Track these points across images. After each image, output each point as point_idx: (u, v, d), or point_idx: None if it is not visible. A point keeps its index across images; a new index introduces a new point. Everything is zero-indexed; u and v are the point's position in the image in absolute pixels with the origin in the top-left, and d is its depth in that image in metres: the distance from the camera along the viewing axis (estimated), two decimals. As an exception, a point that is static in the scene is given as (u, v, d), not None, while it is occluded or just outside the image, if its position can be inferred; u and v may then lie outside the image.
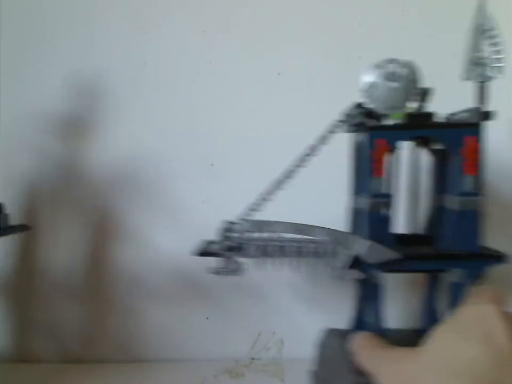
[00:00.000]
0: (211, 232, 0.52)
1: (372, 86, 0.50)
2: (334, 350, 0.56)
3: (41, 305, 0.76)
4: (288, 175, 0.52)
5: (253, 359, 0.75)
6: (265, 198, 0.52)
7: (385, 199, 0.50)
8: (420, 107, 0.53)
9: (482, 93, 0.53)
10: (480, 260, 0.51)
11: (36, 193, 0.75)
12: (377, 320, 0.51)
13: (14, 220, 0.64)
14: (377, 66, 0.50)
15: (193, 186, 0.74)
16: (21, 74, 0.75)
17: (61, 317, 0.76)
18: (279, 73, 0.67)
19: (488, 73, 0.52)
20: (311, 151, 0.52)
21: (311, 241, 0.48)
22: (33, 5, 0.76)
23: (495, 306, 0.36)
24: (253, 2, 0.76)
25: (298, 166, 0.52)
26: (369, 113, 0.51)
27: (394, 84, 0.50)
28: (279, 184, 0.52)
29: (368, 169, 0.51)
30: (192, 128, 0.75)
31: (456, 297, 0.50)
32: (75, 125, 0.75)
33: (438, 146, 0.54)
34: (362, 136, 0.52)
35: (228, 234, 0.49)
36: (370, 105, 0.51)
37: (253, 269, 0.49)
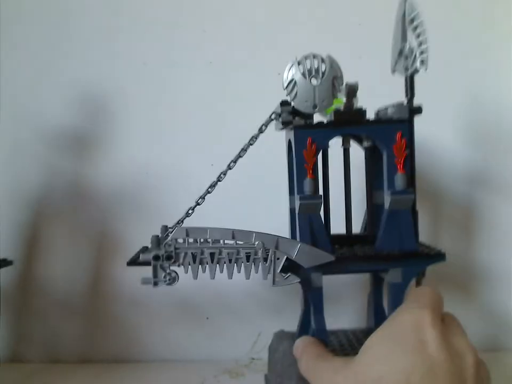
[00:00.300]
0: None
1: (291, 83, 0.48)
2: (283, 354, 0.55)
3: (39, 320, 0.76)
4: (220, 178, 0.51)
5: (253, 359, 0.75)
6: (198, 202, 0.50)
7: (315, 199, 0.49)
8: (349, 103, 0.51)
9: (409, 86, 0.51)
10: (416, 259, 0.49)
11: (38, 208, 0.76)
12: (319, 323, 0.49)
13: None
14: (296, 62, 0.48)
15: (193, 186, 0.73)
16: (25, 86, 0.76)
17: (58, 332, 0.76)
18: (279, 73, 0.67)
19: (413, 65, 0.50)
20: (242, 152, 0.51)
21: (247, 247, 0.46)
22: (32, 8, 0.76)
23: (430, 313, 0.35)
24: (253, 2, 0.76)
25: (230, 168, 0.51)
26: (297, 111, 0.49)
27: (313, 81, 0.48)
28: (212, 187, 0.51)
29: (296, 169, 0.49)
30: (192, 128, 0.75)
31: (394, 297, 0.49)
32: (79, 138, 0.75)
33: (369, 143, 0.52)
34: (291, 135, 0.50)
35: (162, 241, 0.47)
36: (293, 103, 0.48)
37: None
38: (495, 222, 0.75)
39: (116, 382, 0.68)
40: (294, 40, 0.74)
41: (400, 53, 0.52)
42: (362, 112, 0.50)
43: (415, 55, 0.50)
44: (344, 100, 0.52)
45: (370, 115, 0.52)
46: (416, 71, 0.51)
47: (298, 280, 0.48)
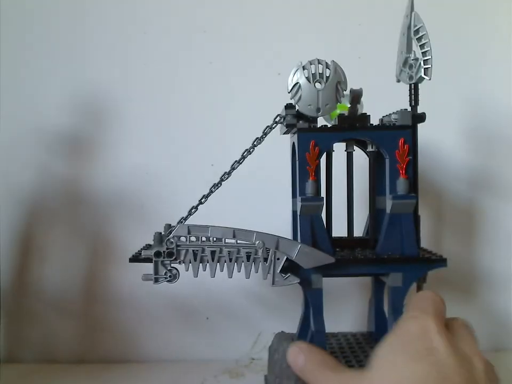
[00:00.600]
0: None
1: (296, 87, 0.49)
2: (282, 354, 0.54)
3: (35, 322, 0.76)
4: (225, 178, 0.51)
5: (253, 359, 0.75)
6: (202, 201, 0.51)
7: (317, 201, 0.49)
8: (353, 108, 0.52)
9: (413, 95, 0.52)
10: (417, 264, 0.50)
11: (34, 210, 0.76)
12: (319, 324, 0.49)
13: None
14: (301, 67, 0.49)
15: (193, 187, 0.74)
16: (22, 88, 0.76)
17: (54, 334, 0.76)
18: (279, 73, 0.67)
19: (418, 74, 0.51)
20: (247, 153, 0.51)
21: (248, 246, 0.47)
22: (31, 10, 0.76)
23: (434, 319, 0.35)
24: (253, 2, 0.76)
25: (233, 168, 0.51)
26: (302, 115, 0.49)
27: (317, 85, 0.49)
28: (215, 187, 0.51)
29: (299, 171, 0.49)
30: (192, 128, 0.75)
31: (394, 301, 0.49)
32: (78, 138, 0.75)
33: (373, 148, 0.53)
34: (295, 138, 0.51)
35: (164, 239, 0.47)
36: (297, 107, 0.49)
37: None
38: (497, 225, 0.75)
39: (116, 382, 0.68)
40: (294, 40, 0.74)
41: (405, 62, 0.53)
42: (365, 118, 0.51)
43: (420, 65, 0.51)
44: (349, 105, 0.53)
45: (373, 116, 0.53)
46: (420, 80, 0.52)
47: (298, 280, 0.48)
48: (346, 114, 0.52)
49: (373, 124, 0.51)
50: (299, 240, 0.49)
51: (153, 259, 0.47)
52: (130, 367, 0.73)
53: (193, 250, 0.47)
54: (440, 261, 0.50)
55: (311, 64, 0.49)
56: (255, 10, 0.76)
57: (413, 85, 0.53)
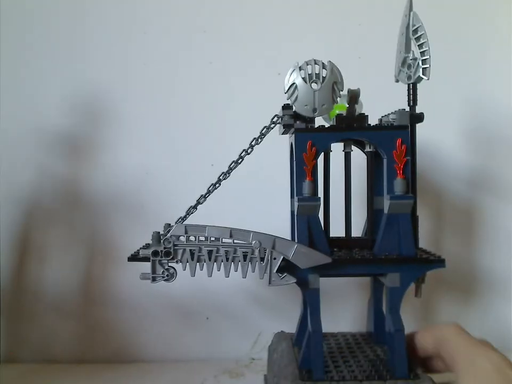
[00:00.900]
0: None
1: (292, 87, 0.49)
2: (281, 354, 0.55)
3: (33, 322, 0.76)
4: (223, 178, 0.51)
5: (253, 359, 0.75)
6: (200, 201, 0.51)
7: (314, 201, 0.49)
8: (351, 108, 0.52)
9: (412, 95, 0.52)
10: (414, 264, 0.49)
11: (33, 210, 0.76)
12: (316, 324, 0.49)
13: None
14: (298, 67, 0.49)
15: (193, 187, 0.74)
16: (22, 88, 0.76)
17: (53, 334, 0.76)
18: (279, 73, 0.67)
19: (416, 74, 0.51)
20: (244, 153, 0.51)
21: (245, 246, 0.47)
22: (31, 10, 0.76)
23: (501, 355, 0.42)
24: (253, 2, 0.76)
25: (232, 168, 0.51)
26: (299, 115, 0.49)
27: (314, 86, 0.49)
28: (214, 187, 0.51)
29: (296, 171, 0.49)
30: (192, 128, 0.75)
31: (392, 301, 0.49)
32: (78, 139, 0.75)
33: (371, 149, 0.52)
34: (293, 138, 0.51)
35: (162, 238, 0.47)
36: (294, 107, 0.49)
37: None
38: (497, 226, 0.75)
39: (116, 382, 0.68)
40: (294, 40, 0.74)
41: (404, 62, 0.53)
42: (363, 118, 0.51)
43: (418, 65, 0.51)
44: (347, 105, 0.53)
45: (374, 116, 0.52)
46: (418, 80, 0.52)
47: (294, 280, 0.48)
48: (344, 114, 0.52)
49: (370, 124, 0.50)
50: (296, 240, 0.49)
51: (151, 258, 0.48)
52: (130, 367, 0.73)
53: (190, 250, 0.48)
54: (439, 262, 0.50)
55: (307, 64, 0.49)
56: (255, 10, 0.76)
57: (411, 84, 0.53)
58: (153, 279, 0.48)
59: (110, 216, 0.75)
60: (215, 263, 0.48)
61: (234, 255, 0.47)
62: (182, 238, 0.48)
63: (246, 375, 0.70)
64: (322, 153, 0.51)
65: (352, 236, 0.56)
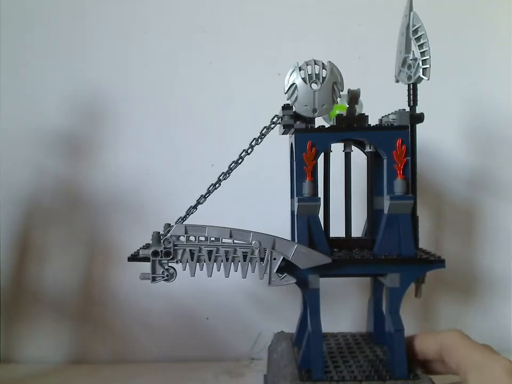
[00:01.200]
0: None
1: (292, 88, 0.49)
2: (280, 354, 0.55)
3: (33, 322, 0.76)
4: (222, 178, 0.51)
5: (253, 359, 0.75)
6: (200, 202, 0.51)
7: (313, 201, 0.49)
8: (351, 108, 0.52)
9: (412, 95, 0.52)
10: (414, 265, 0.49)
11: (33, 210, 0.76)
12: (315, 324, 0.49)
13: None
14: (297, 67, 0.49)
15: (193, 187, 0.74)
16: (22, 88, 0.76)
17: (53, 334, 0.76)
18: (279, 74, 0.67)
19: (416, 74, 0.51)
20: (244, 153, 0.51)
21: (245, 246, 0.47)
22: (31, 10, 0.76)
23: (510, 360, 0.42)
24: (253, 2, 0.76)
25: (232, 169, 0.51)
26: (299, 115, 0.49)
27: (314, 86, 0.48)
28: (214, 187, 0.51)
29: (296, 172, 0.49)
30: (192, 128, 0.75)
31: (392, 301, 0.49)
32: (75, 141, 0.75)
33: (371, 149, 0.52)
34: (293, 139, 0.51)
35: (162, 238, 0.47)
36: (294, 107, 0.49)
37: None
38: (497, 226, 0.75)
39: (116, 382, 0.68)
40: (294, 40, 0.74)
41: (404, 62, 0.53)
42: (363, 118, 0.50)
43: (418, 65, 0.51)
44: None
45: (374, 116, 0.52)
46: (418, 80, 0.52)
47: (294, 280, 0.48)
48: (344, 114, 0.52)
49: (370, 124, 0.50)
50: (296, 241, 0.49)
51: (151, 258, 0.48)
52: (130, 367, 0.73)
53: (190, 250, 0.47)
54: (438, 262, 0.50)
55: (307, 64, 0.49)
56: (255, 10, 0.76)
57: (411, 85, 0.53)
58: (153, 279, 0.48)
59: (110, 216, 0.75)
60: (215, 263, 0.47)
61: (234, 255, 0.47)
62: (182, 238, 0.48)
63: (246, 375, 0.70)
64: (323, 153, 0.51)
65: (352, 236, 0.56)
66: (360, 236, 0.58)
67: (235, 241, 0.48)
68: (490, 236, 0.75)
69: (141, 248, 0.52)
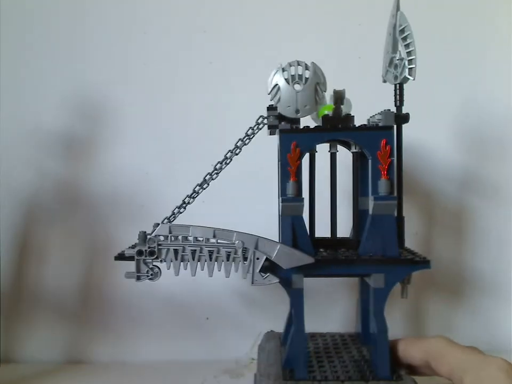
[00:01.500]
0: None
1: (275, 88, 0.49)
2: (268, 353, 0.56)
3: (33, 322, 0.76)
4: (208, 179, 0.52)
5: (253, 359, 0.75)
6: (187, 202, 0.51)
7: (297, 201, 0.49)
8: (337, 109, 0.52)
9: (398, 95, 0.52)
10: (399, 265, 0.49)
11: (32, 211, 0.76)
12: (299, 324, 0.49)
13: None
14: (280, 68, 0.49)
15: (193, 187, 0.74)
16: (22, 88, 0.76)
17: (53, 334, 0.76)
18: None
19: (402, 74, 0.51)
20: (230, 154, 0.52)
21: (228, 246, 0.48)
22: (31, 10, 0.76)
23: (504, 360, 0.43)
24: (253, 2, 0.76)
25: (217, 169, 0.52)
26: (284, 116, 0.49)
27: (296, 87, 0.49)
28: (200, 188, 0.52)
29: (281, 172, 0.50)
30: (192, 128, 0.75)
31: (376, 302, 0.49)
32: (75, 141, 0.76)
33: (356, 149, 0.52)
34: (278, 139, 0.51)
35: (147, 238, 0.48)
36: (278, 108, 0.49)
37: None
38: (488, 227, 0.75)
39: (116, 382, 0.68)
40: (294, 40, 0.74)
41: (391, 62, 0.53)
42: (349, 118, 0.50)
43: (404, 65, 0.51)
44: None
45: (365, 116, 0.52)
46: (404, 80, 0.51)
47: (277, 280, 0.48)
48: (330, 114, 0.52)
49: (355, 125, 0.50)
50: (280, 241, 0.50)
51: (136, 257, 0.49)
52: (130, 368, 0.73)
53: (174, 249, 0.48)
54: (423, 263, 0.49)
55: (290, 65, 0.49)
56: (255, 10, 0.76)
57: (398, 85, 0.52)
58: (138, 278, 0.49)
59: (110, 216, 0.75)
60: (198, 262, 0.48)
61: (217, 254, 0.48)
62: (174, 237, 0.49)
63: (246, 375, 0.70)
64: (308, 154, 0.51)
65: (340, 236, 0.56)
66: (347, 235, 0.58)
67: (219, 241, 0.48)
68: (480, 237, 0.75)
69: (129, 247, 0.52)
